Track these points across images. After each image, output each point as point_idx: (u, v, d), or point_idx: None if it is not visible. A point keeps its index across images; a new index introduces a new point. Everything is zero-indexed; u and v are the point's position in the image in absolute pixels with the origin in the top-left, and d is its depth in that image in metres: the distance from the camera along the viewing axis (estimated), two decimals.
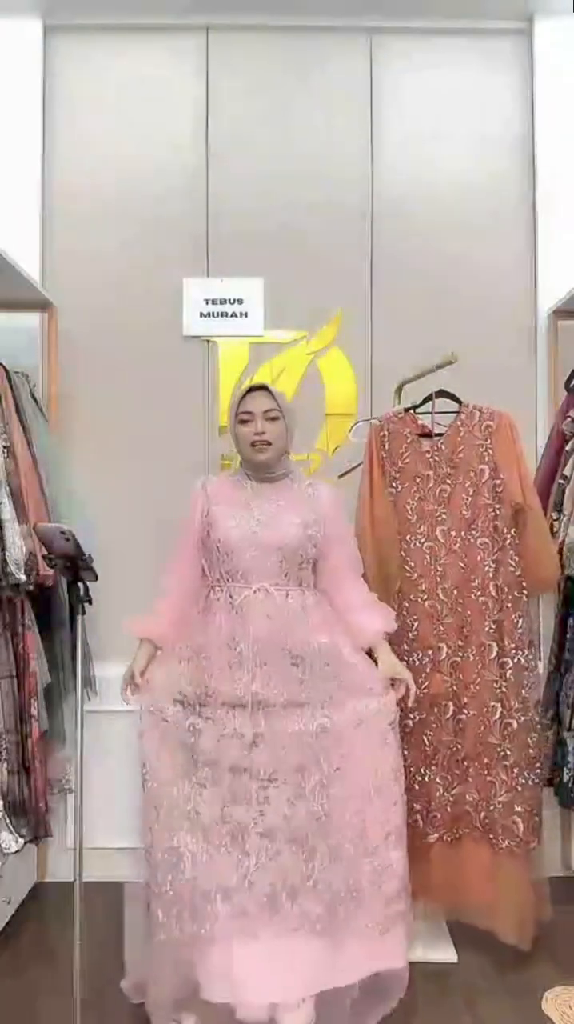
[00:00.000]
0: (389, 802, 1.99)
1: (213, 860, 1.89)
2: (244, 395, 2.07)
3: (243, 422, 2.06)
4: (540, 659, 2.75)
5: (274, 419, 2.04)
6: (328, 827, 1.91)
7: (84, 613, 1.83)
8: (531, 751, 2.36)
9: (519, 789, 2.32)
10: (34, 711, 2.36)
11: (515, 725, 2.33)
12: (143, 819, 1.98)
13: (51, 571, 2.38)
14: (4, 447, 2.31)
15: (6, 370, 2.43)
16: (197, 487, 2.12)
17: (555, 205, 3.02)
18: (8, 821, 2.24)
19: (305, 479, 2.16)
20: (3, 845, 2.19)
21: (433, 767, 2.33)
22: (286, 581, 2.01)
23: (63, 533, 1.73)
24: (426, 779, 2.33)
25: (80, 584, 1.80)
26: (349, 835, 1.93)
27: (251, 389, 2.08)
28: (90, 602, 1.83)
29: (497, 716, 2.34)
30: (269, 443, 2.03)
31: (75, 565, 1.77)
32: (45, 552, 1.82)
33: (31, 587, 2.35)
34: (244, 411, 2.05)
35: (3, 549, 2.21)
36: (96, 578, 1.80)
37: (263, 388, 2.07)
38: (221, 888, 1.87)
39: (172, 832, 1.93)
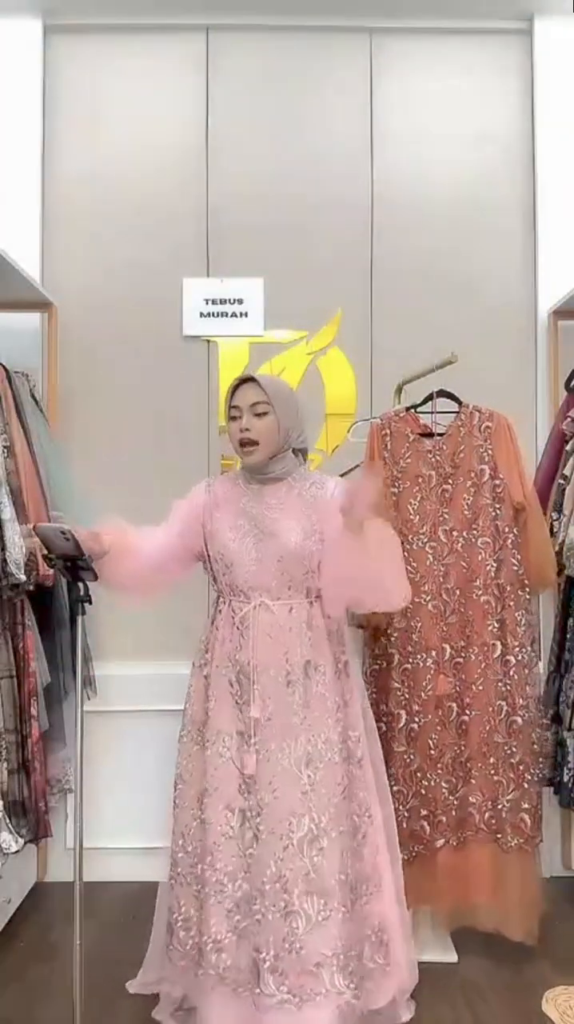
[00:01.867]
0: (373, 850, 1.94)
1: (212, 906, 1.84)
2: (234, 388, 1.96)
3: (232, 418, 1.95)
4: (540, 659, 2.76)
5: (262, 414, 1.90)
6: (318, 883, 1.81)
7: (84, 613, 1.83)
8: (535, 747, 2.37)
9: (526, 786, 2.33)
10: (34, 711, 2.35)
11: (520, 722, 2.34)
12: (172, 837, 1.98)
13: (51, 571, 2.39)
14: (4, 447, 2.31)
15: (6, 370, 2.43)
16: (201, 486, 2.05)
17: (555, 205, 3.02)
18: (8, 821, 2.23)
19: (310, 477, 2.01)
20: (3, 845, 2.18)
21: (438, 770, 2.33)
22: (289, 593, 1.92)
23: (63, 533, 1.73)
24: (432, 783, 2.32)
25: (80, 584, 1.80)
26: (337, 889, 1.82)
27: (241, 382, 1.95)
28: (90, 602, 1.82)
29: (502, 715, 2.34)
30: (255, 442, 1.91)
31: (75, 565, 1.77)
32: (45, 552, 1.81)
33: (31, 587, 2.35)
34: (233, 405, 1.94)
35: (3, 549, 2.20)
36: (96, 578, 1.79)
37: (251, 380, 1.93)
38: (214, 941, 1.82)
39: (192, 860, 1.92)
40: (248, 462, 1.95)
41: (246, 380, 1.95)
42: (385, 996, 1.93)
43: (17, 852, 2.23)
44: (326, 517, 1.91)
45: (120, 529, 1.92)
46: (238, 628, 1.92)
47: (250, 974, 1.80)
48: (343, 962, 1.80)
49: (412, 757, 2.33)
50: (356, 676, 2.02)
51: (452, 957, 2.38)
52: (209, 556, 1.98)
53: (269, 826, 1.82)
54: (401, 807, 2.30)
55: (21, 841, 2.25)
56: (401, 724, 2.33)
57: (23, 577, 2.24)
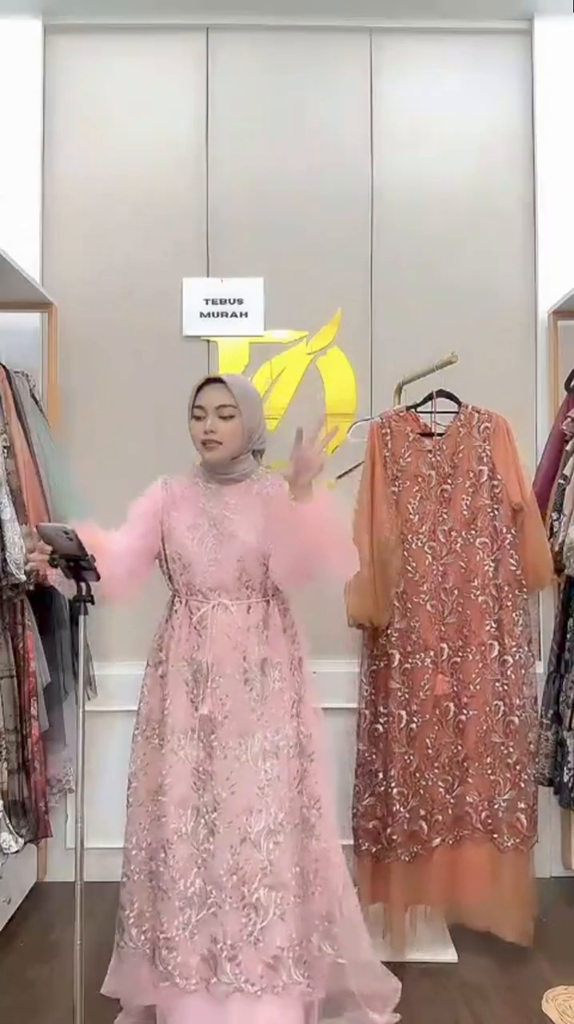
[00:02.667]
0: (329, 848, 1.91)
1: (162, 902, 1.84)
2: (199, 388, 1.93)
3: (196, 418, 1.93)
4: (539, 659, 2.76)
5: (228, 417, 1.89)
6: (275, 876, 1.81)
7: (86, 613, 1.81)
8: (531, 747, 2.39)
9: (522, 786, 2.34)
10: (34, 711, 2.36)
11: (517, 722, 2.35)
12: (125, 835, 1.97)
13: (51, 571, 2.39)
14: (4, 447, 2.31)
15: (6, 370, 2.43)
16: (158, 484, 2.02)
17: (555, 205, 3.02)
18: (8, 821, 2.23)
19: (269, 478, 1.99)
20: (3, 845, 2.18)
21: (435, 770, 2.34)
22: (247, 593, 1.91)
23: (66, 533, 1.72)
24: (429, 783, 2.33)
25: (82, 584, 1.79)
26: (292, 883, 1.83)
27: (207, 381, 1.93)
28: (92, 602, 1.81)
29: (499, 714, 2.35)
30: (219, 443, 1.90)
31: (78, 565, 1.77)
32: (48, 551, 1.79)
33: (31, 587, 2.35)
34: (197, 405, 1.93)
35: (3, 549, 2.21)
36: (98, 578, 1.78)
37: (219, 381, 1.91)
38: (164, 937, 1.82)
39: (146, 856, 1.91)
40: (209, 458, 1.94)
41: (213, 380, 1.93)
42: (323, 989, 1.89)
43: (17, 852, 2.23)
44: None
45: (91, 532, 1.88)
46: (195, 628, 1.91)
47: (204, 968, 1.80)
48: (298, 954, 1.82)
49: (411, 758, 2.33)
50: (309, 673, 2.01)
51: (452, 957, 2.38)
52: (166, 555, 1.96)
53: (226, 819, 1.83)
54: (402, 808, 2.31)
55: (21, 841, 2.25)
56: (402, 725, 2.33)
57: (23, 577, 2.24)
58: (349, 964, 1.94)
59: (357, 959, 1.98)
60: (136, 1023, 2.00)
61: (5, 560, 2.20)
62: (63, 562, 1.76)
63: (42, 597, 2.52)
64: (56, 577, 1.86)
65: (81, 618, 1.81)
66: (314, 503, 1.75)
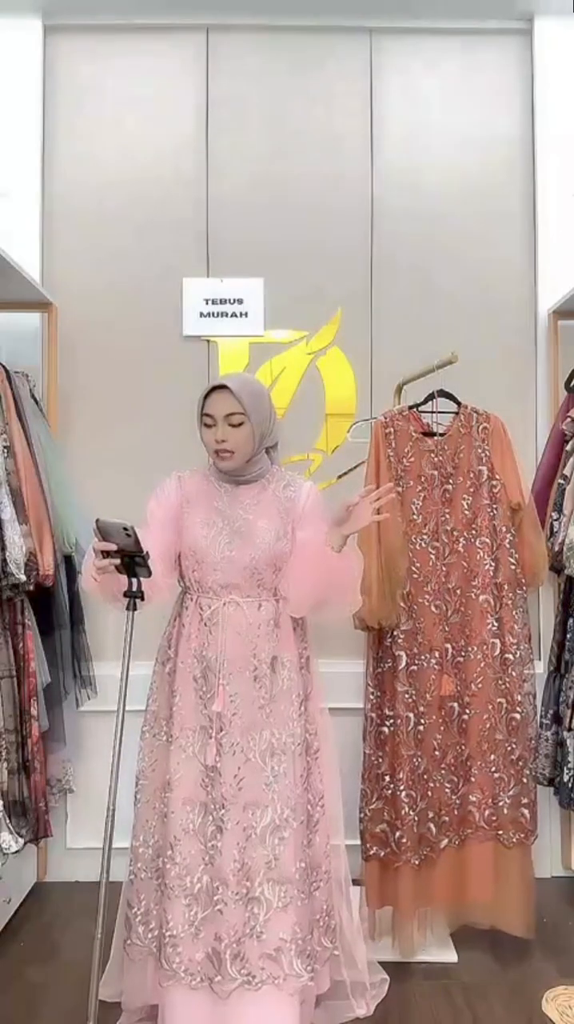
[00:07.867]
0: (324, 841, 1.97)
1: (168, 900, 1.85)
2: (207, 395, 1.93)
3: (206, 425, 1.94)
4: (539, 659, 2.76)
5: (238, 424, 1.89)
6: (279, 871, 1.83)
7: (136, 609, 1.77)
8: (532, 742, 2.40)
9: (525, 781, 2.36)
10: (34, 711, 2.36)
11: (518, 718, 2.36)
12: (132, 833, 1.98)
13: (51, 571, 2.39)
14: (4, 447, 2.31)
15: (6, 370, 2.43)
16: (172, 481, 2.03)
17: (555, 205, 3.02)
18: (8, 821, 2.23)
19: (283, 477, 2.02)
20: (3, 845, 2.18)
21: (442, 771, 2.33)
22: (259, 591, 1.93)
23: (125, 529, 1.71)
24: (437, 784, 2.33)
25: (134, 580, 1.76)
26: (297, 878, 1.85)
27: (213, 388, 1.92)
28: (142, 598, 1.77)
29: (502, 712, 2.36)
30: (231, 452, 1.91)
31: (132, 561, 1.75)
32: (111, 548, 1.75)
33: (31, 587, 2.35)
34: (205, 413, 1.93)
35: (3, 549, 2.20)
36: (150, 574, 1.75)
37: (225, 388, 1.90)
38: (170, 935, 1.83)
39: (154, 854, 1.92)
40: (224, 468, 1.96)
41: (219, 387, 1.92)
42: (326, 982, 1.96)
43: (17, 852, 2.23)
44: (299, 521, 1.96)
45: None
46: (206, 625, 1.93)
47: (207, 965, 1.81)
48: (301, 946, 1.83)
49: (419, 760, 2.33)
50: (317, 671, 2.04)
51: (452, 957, 2.38)
52: (179, 550, 1.98)
53: (233, 817, 1.84)
54: (411, 812, 2.29)
55: (21, 841, 2.25)
56: (409, 727, 2.32)
57: (23, 577, 2.24)
58: (343, 955, 1.99)
59: (350, 951, 2.03)
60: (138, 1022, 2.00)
61: (5, 560, 2.20)
62: (118, 557, 1.75)
63: (42, 597, 2.52)
64: (89, 583, 1.87)
65: (130, 614, 1.77)
66: (347, 556, 1.87)
